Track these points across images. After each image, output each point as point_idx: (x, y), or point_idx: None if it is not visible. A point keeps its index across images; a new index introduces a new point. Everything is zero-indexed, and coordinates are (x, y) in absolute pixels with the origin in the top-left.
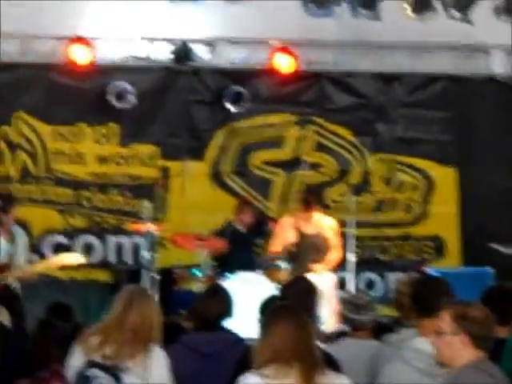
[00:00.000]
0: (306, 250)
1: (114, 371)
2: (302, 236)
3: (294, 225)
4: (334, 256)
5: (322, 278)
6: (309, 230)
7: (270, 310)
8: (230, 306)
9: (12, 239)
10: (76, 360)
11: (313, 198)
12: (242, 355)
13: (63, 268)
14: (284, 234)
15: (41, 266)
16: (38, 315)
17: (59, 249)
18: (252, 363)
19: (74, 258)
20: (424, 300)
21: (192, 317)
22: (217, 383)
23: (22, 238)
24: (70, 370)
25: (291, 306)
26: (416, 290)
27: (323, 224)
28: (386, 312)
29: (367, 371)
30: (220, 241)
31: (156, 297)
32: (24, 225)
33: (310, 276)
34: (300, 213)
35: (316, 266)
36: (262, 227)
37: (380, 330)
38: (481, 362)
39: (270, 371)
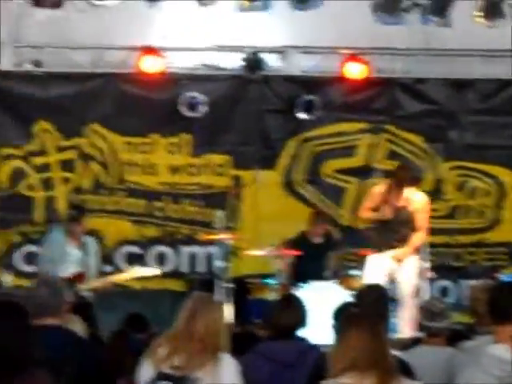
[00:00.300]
0: (392, 224)
1: (183, 383)
2: (391, 210)
3: (383, 196)
4: (418, 237)
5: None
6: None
7: (344, 318)
8: (304, 315)
9: (83, 248)
10: (146, 372)
11: (405, 174)
12: (317, 364)
13: (137, 279)
14: (372, 203)
15: (115, 278)
16: (111, 324)
17: (132, 259)
18: (327, 372)
19: (149, 270)
20: (500, 306)
21: (267, 326)
22: None
23: (93, 248)
24: (140, 382)
25: (366, 314)
26: (492, 296)
27: (413, 199)
28: (459, 319)
29: (442, 378)
30: (293, 250)
31: (229, 306)
32: (97, 236)
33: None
34: (391, 187)
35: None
36: (333, 239)
37: (455, 337)
38: None
39: (345, 380)
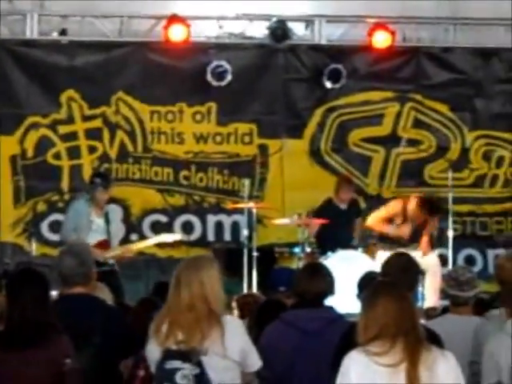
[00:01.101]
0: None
1: (192, 357)
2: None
3: (402, 212)
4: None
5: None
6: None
7: (371, 287)
8: (331, 283)
9: (105, 216)
10: (153, 353)
11: (432, 208)
12: (344, 333)
13: (161, 246)
14: (388, 215)
15: (138, 245)
16: (137, 293)
17: (158, 228)
18: (355, 340)
19: (170, 236)
20: None
21: (293, 294)
22: (317, 360)
23: (116, 216)
24: (150, 364)
25: (393, 282)
26: None
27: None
28: (486, 288)
29: (470, 347)
30: (320, 219)
31: (254, 275)
32: (123, 204)
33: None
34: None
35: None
36: (359, 207)
37: (482, 306)
38: None
39: (375, 348)
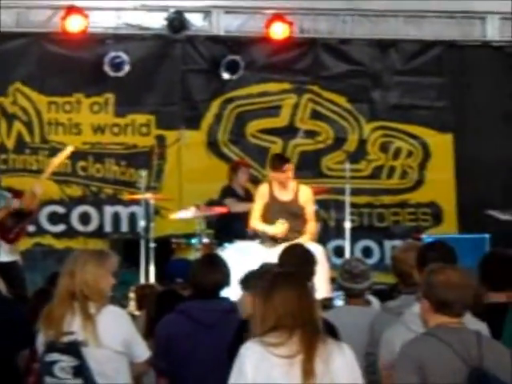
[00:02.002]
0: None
1: (70, 349)
2: (279, 204)
3: (270, 193)
4: (312, 227)
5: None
6: (285, 197)
7: (270, 277)
8: (227, 274)
9: None
10: (39, 346)
11: (283, 159)
12: (240, 323)
13: (57, 236)
14: (262, 203)
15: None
16: (34, 284)
17: (56, 218)
18: (250, 331)
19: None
20: (428, 264)
21: (189, 285)
22: (214, 352)
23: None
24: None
25: (292, 273)
26: (421, 254)
27: (300, 192)
28: (382, 279)
29: (366, 338)
30: (225, 204)
31: (152, 266)
32: (20, 195)
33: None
34: (277, 179)
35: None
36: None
37: (378, 297)
38: (441, 328)
39: (272, 339)
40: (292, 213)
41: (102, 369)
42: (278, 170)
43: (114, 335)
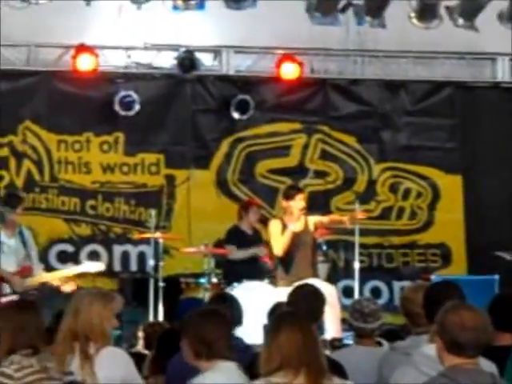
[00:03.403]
0: (299, 251)
1: None
2: (294, 236)
3: (282, 226)
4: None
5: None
6: (297, 228)
7: (275, 317)
8: (239, 313)
9: (19, 237)
10: None
11: (297, 188)
12: (249, 363)
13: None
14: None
15: (62, 273)
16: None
17: (65, 257)
18: (259, 371)
19: (94, 266)
20: (435, 305)
21: None
22: None
23: (30, 239)
24: None
25: (296, 312)
26: (428, 295)
27: (308, 221)
28: (392, 320)
29: (374, 378)
30: (226, 248)
31: (161, 305)
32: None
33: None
34: (290, 208)
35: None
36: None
37: (388, 338)
38: (454, 370)
39: (278, 379)
40: (304, 243)
41: None
42: (292, 198)
43: (111, 376)
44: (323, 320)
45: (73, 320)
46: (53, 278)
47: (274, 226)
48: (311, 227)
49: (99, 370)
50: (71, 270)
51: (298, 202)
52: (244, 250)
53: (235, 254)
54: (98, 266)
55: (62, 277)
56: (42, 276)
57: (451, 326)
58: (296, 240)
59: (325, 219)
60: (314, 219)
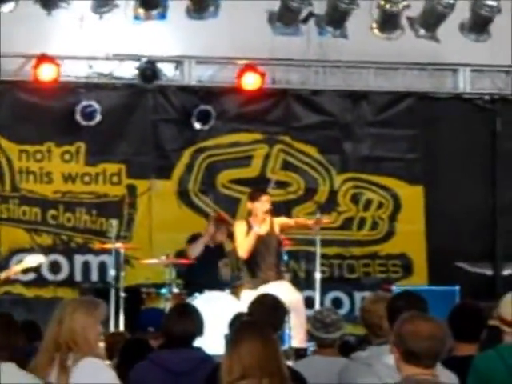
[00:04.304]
0: (264, 252)
1: None
2: (259, 238)
3: (248, 228)
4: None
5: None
6: (262, 230)
7: (235, 327)
8: (200, 324)
9: None
10: None
11: (262, 189)
12: (211, 373)
13: (27, 285)
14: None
15: (4, 275)
16: None
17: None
18: (220, 381)
19: (35, 259)
20: (398, 316)
21: (161, 335)
22: None
23: None
24: None
25: (257, 323)
26: (390, 306)
27: (274, 223)
28: (352, 330)
29: None
30: (185, 259)
31: (121, 315)
32: None
33: (277, 288)
34: (256, 209)
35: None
36: (224, 248)
37: (346, 348)
38: (409, 380)
39: None
40: (270, 246)
41: None
42: (257, 200)
43: None
44: (289, 327)
45: (57, 328)
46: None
47: (239, 227)
48: (277, 229)
49: (76, 382)
50: (14, 268)
51: (263, 204)
52: (196, 243)
53: (194, 249)
54: (39, 259)
55: (5, 277)
56: None
57: (407, 335)
58: (261, 242)
59: (291, 222)
60: (279, 221)
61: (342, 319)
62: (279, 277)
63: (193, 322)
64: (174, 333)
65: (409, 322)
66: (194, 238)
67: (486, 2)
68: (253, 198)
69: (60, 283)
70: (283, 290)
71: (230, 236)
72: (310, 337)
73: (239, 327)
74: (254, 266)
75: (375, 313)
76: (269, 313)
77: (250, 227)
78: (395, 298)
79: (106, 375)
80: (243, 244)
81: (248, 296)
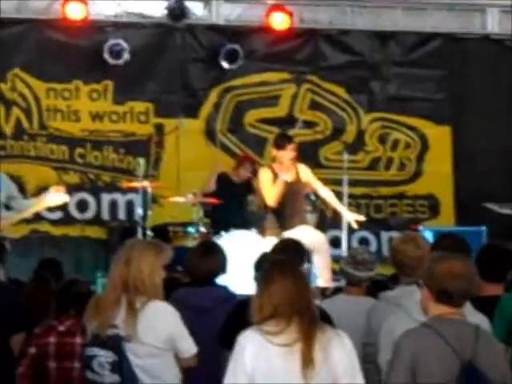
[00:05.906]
0: (290, 200)
1: (109, 344)
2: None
3: (273, 175)
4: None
5: (312, 232)
6: (288, 178)
7: (266, 266)
8: (222, 262)
9: None
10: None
11: (288, 137)
12: (234, 310)
13: (54, 223)
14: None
15: (28, 211)
16: (30, 270)
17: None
18: (248, 319)
19: (59, 197)
20: None
21: (186, 273)
22: (209, 338)
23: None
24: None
25: (287, 262)
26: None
27: (299, 170)
28: (380, 270)
29: (361, 328)
30: (213, 198)
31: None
32: (18, 181)
33: (299, 232)
34: (281, 157)
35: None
36: (253, 184)
37: (376, 288)
38: (438, 319)
39: (270, 327)
40: (295, 193)
41: (145, 364)
42: (284, 148)
43: (156, 332)
44: (314, 268)
45: (125, 268)
46: (20, 217)
47: (265, 175)
48: (302, 177)
49: (143, 326)
50: (36, 205)
51: (289, 153)
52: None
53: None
54: (63, 198)
55: (29, 213)
56: (7, 219)
57: (440, 275)
58: (287, 190)
59: (314, 186)
60: (307, 174)
61: (375, 261)
62: (303, 222)
63: (215, 259)
64: (197, 271)
65: (441, 261)
66: (219, 178)
67: None
68: (278, 145)
69: (87, 222)
70: (306, 233)
71: (254, 173)
72: (341, 272)
73: (270, 266)
74: (280, 214)
75: (405, 253)
76: (290, 255)
77: (275, 174)
78: (440, 238)
79: (176, 319)
80: (271, 192)
81: (272, 242)
